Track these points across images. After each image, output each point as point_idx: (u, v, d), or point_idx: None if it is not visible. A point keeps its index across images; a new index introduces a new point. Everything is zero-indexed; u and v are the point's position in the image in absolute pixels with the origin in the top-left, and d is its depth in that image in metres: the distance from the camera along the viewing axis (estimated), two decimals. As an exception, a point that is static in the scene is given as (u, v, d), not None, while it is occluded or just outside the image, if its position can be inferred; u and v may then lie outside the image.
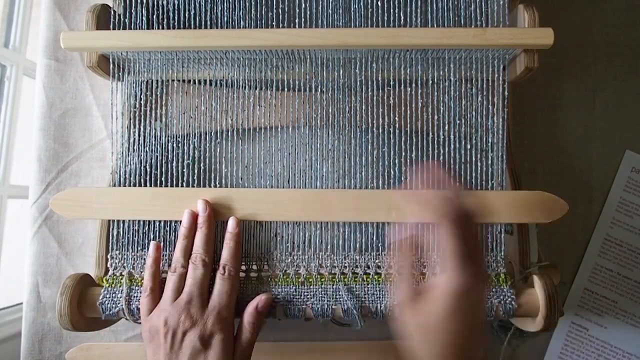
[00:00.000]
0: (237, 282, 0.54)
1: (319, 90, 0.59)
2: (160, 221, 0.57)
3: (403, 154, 0.58)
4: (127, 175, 0.58)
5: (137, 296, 0.55)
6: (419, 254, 0.51)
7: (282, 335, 0.68)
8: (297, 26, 0.57)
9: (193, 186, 0.58)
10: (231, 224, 0.55)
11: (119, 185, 0.58)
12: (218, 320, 0.51)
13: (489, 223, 0.56)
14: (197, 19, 0.58)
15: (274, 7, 0.57)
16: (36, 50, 0.70)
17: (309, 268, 0.57)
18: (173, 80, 0.60)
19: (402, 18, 0.57)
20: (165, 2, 0.58)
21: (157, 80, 0.60)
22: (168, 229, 0.58)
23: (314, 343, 0.68)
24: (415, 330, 0.45)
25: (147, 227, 0.58)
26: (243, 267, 0.57)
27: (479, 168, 0.57)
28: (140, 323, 0.54)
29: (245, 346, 0.53)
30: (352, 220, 0.56)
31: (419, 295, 0.45)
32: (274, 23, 0.57)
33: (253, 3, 0.58)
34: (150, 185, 0.58)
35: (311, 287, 0.56)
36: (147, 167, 0.58)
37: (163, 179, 0.58)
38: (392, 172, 0.58)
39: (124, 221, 0.57)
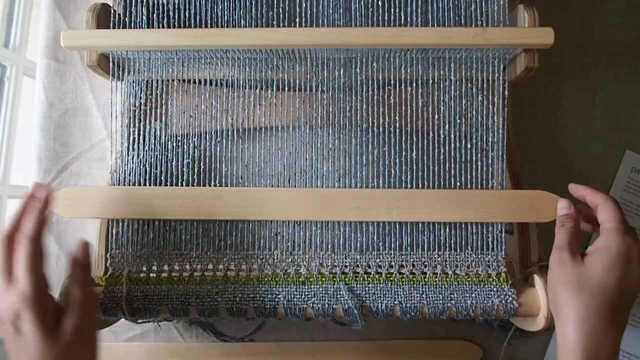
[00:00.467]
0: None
1: (320, 89, 0.59)
2: (160, 220, 0.57)
3: (403, 153, 0.58)
4: (126, 175, 0.58)
5: (137, 296, 0.55)
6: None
7: (282, 335, 0.68)
8: (297, 25, 0.57)
9: (193, 185, 0.58)
10: None
11: (118, 185, 0.58)
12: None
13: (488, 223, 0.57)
14: (198, 18, 0.58)
15: (274, 6, 0.57)
16: (36, 50, 0.70)
17: (310, 267, 0.57)
18: (173, 80, 0.60)
19: (403, 17, 0.57)
20: (165, 1, 0.58)
21: (157, 80, 0.60)
22: (168, 228, 0.58)
23: (314, 343, 0.68)
24: (567, 285, 0.48)
25: (146, 227, 0.58)
26: (244, 267, 0.57)
27: (479, 167, 0.57)
28: (140, 323, 0.54)
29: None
30: (354, 220, 0.56)
31: (578, 251, 0.50)
32: (274, 22, 0.57)
33: (253, 2, 0.58)
34: (150, 185, 0.58)
35: (312, 286, 0.56)
36: (147, 166, 0.58)
37: (163, 178, 0.58)
38: (393, 172, 0.58)
39: (123, 220, 0.57)
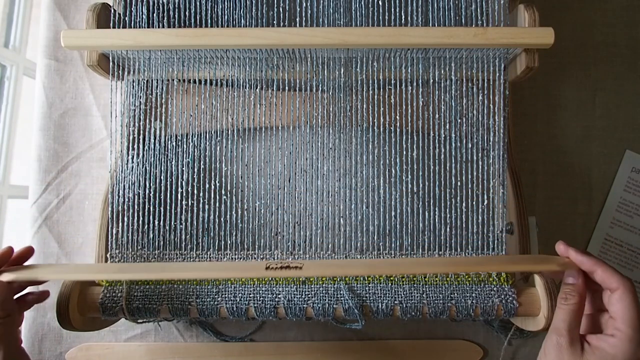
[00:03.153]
0: None
1: (320, 89, 0.59)
2: (159, 220, 0.57)
3: (404, 153, 0.58)
4: (126, 175, 0.58)
5: (137, 295, 0.55)
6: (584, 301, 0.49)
7: (282, 334, 0.68)
8: (297, 25, 0.57)
9: (193, 185, 0.58)
10: None
11: (118, 184, 0.58)
12: None
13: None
14: (198, 18, 0.58)
15: (275, 6, 0.57)
16: (36, 50, 0.70)
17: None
18: (173, 80, 0.60)
19: (403, 17, 0.57)
20: (165, 1, 0.58)
21: (157, 80, 0.60)
22: (168, 228, 0.58)
23: (314, 343, 0.68)
24: None
25: (146, 227, 0.58)
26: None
27: (479, 167, 0.57)
28: (140, 323, 0.54)
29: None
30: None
31: (577, 337, 0.46)
32: (274, 22, 0.57)
33: (253, 2, 0.58)
34: (150, 185, 0.58)
35: (312, 286, 0.56)
36: (147, 166, 0.58)
37: (163, 178, 0.58)
38: (393, 171, 0.58)
39: (123, 220, 0.57)
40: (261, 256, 0.58)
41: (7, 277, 0.49)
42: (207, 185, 0.59)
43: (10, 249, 0.52)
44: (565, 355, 0.45)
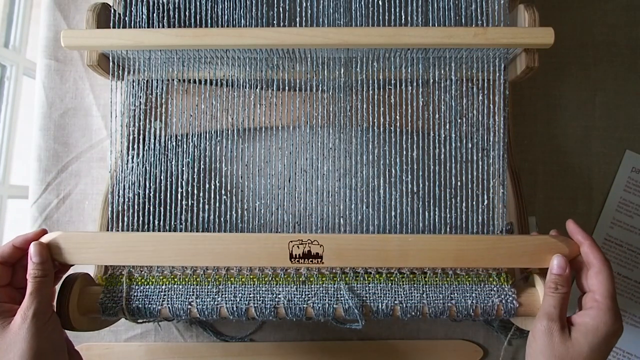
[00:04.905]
0: None
1: (320, 89, 0.59)
2: (159, 220, 0.57)
3: (404, 153, 0.58)
4: (126, 175, 0.58)
5: (137, 295, 0.55)
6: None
7: (282, 334, 0.68)
8: (297, 25, 0.57)
9: (193, 185, 0.58)
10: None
11: (118, 184, 0.58)
12: None
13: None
14: (198, 18, 0.58)
15: (275, 6, 0.57)
16: (36, 50, 0.70)
17: (310, 267, 0.57)
18: (173, 80, 0.60)
19: (403, 17, 0.57)
20: (165, 1, 0.58)
21: (157, 79, 0.60)
22: (168, 228, 0.58)
23: (314, 343, 0.68)
24: (552, 351, 0.47)
25: (146, 227, 0.58)
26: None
27: (479, 167, 0.58)
28: (140, 323, 0.54)
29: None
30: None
31: (565, 322, 0.49)
32: (274, 22, 0.57)
33: (253, 2, 0.58)
34: (150, 185, 0.58)
35: (312, 286, 0.56)
36: (147, 166, 0.58)
37: (163, 178, 0.58)
38: (393, 171, 0.58)
39: (123, 221, 0.57)
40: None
41: (49, 237, 0.52)
42: (207, 185, 0.59)
43: (44, 230, 0.54)
44: (556, 339, 0.47)
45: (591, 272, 0.49)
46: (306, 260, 0.52)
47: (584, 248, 0.50)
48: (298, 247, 0.52)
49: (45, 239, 0.52)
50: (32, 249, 0.51)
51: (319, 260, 0.52)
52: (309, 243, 0.52)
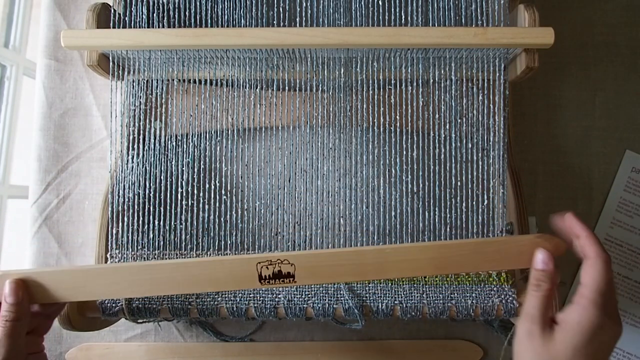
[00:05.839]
0: None
1: (320, 89, 0.59)
2: (159, 220, 0.57)
3: (404, 153, 0.58)
4: (126, 175, 0.58)
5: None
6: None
7: (282, 334, 0.68)
8: (297, 25, 0.57)
9: (193, 185, 0.58)
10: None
11: (118, 184, 0.58)
12: None
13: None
14: (198, 18, 0.58)
15: (275, 6, 0.57)
16: (36, 50, 0.70)
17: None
18: (173, 80, 0.60)
19: (403, 17, 0.57)
20: (165, 1, 0.58)
21: (157, 79, 0.60)
22: (168, 228, 0.58)
23: (314, 343, 0.68)
24: (533, 354, 0.45)
25: (146, 227, 0.58)
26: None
27: (479, 167, 0.57)
28: (140, 323, 0.54)
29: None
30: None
31: (548, 322, 0.46)
32: (274, 22, 0.57)
33: (253, 2, 0.58)
34: (150, 185, 0.58)
35: (312, 286, 0.56)
36: (147, 166, 0.58)
37: (163, 178, 0.58)
38: (393, 171, 0.58)
39: (123, 221, 0.57)
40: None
41: (17, 276, 0.47)
42: (207, 185, 0.59)
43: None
44: (536, 341, 0.45)
45: (584, 265, 0.46)
46: (277, 280, 0.49)
47: (581, 240, 0.47)
48: (267, 267, 0.48)
49: (20, 276, 0.47)
50: (7, 287, 0.46)
51: (291, 279, 0.49)
52: (278, 263, 0.48)
